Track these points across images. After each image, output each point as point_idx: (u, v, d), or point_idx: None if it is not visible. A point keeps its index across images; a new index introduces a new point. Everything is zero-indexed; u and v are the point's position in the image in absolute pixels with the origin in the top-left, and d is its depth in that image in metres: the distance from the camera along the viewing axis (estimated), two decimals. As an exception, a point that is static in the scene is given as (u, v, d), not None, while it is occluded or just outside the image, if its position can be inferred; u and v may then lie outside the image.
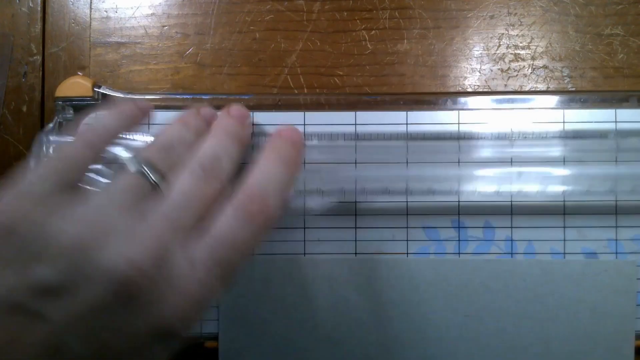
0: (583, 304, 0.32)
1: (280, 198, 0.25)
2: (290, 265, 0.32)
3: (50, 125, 0.31)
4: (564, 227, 0.33)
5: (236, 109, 0.29)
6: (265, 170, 0.25)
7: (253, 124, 0.32)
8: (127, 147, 0.29)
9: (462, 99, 0.33)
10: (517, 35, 0.34)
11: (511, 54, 0.34)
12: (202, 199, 0.24)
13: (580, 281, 0.32)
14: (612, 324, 0.32)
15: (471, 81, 0.34)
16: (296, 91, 0.34)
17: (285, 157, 0.26)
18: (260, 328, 0.32)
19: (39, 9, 0.34)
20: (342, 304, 0.32)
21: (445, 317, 0.32)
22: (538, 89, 0.34)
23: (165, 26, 0.34)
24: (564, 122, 0.33)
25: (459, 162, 0.33)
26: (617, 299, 0.32)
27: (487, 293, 0.32)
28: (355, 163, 0.32)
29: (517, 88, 0.34)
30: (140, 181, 0.24)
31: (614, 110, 0.33)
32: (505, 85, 0.34)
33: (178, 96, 0.33)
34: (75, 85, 0.32)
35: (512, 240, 0.33)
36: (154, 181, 0.24)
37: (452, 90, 0.34)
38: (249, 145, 0.30)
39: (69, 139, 0.31)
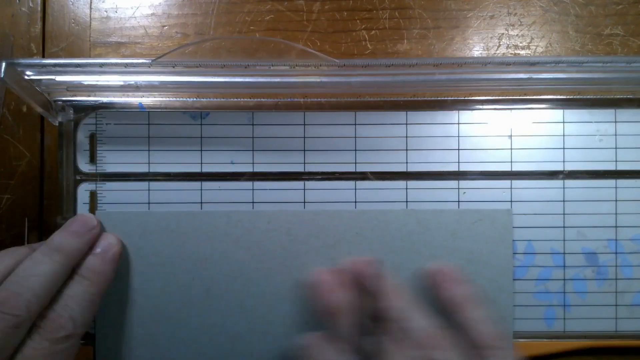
0: (459, 253, 0.32)
1: (83, 315, 0.28)
2: (168, 219, 0.32)
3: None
4: (564, 227, 0.33)
5: (78, 222, 0.31)
6: (68, 293, 0.29)
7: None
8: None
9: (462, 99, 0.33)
10: (517, 35, 0.34)
11: (511, 54, 0.34)
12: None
13: (456, 230, 0.32)
14: (489, 272, 0.32)
15: (471, 81, 0.34)
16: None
17: (90, 273, 0.29)
18: (138, 281, 0.32)
19: (39, 9, 0.34)
20: (219, 257, 0.32)
21: (323, 266, 0.32)
22: (538, 89, 0.34)
23: (165, 26, 0.34)
24: (563, 122, 0.33)
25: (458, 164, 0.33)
26: (494, 247, 0.32)
27: (363, 243, 0.32)
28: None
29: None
30: None
31: (613, 110, 0.33)
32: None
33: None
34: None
35: (512, 240, 0.33)
36: None
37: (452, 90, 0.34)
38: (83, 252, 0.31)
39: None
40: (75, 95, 0.33)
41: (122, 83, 0.31)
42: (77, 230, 0.30)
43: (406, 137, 0.33)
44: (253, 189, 0.33)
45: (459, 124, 0.33)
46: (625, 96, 0.33)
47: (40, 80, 0.30)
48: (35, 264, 0.28)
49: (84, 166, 0.33)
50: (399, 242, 0.32)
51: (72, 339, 0.28)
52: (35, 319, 0.27)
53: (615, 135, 0.33)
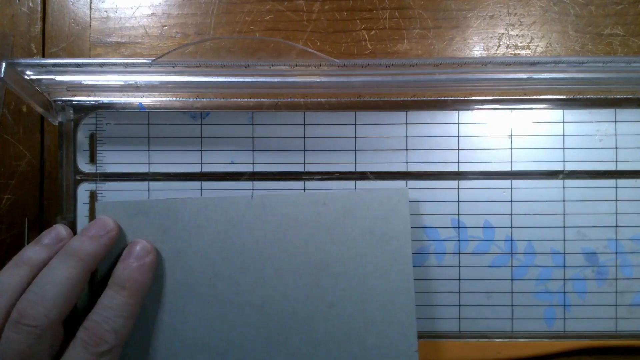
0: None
1: (125, 326, 0.28)
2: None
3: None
4: (564, 227, 0.33)
5: (95, 225, 0.30)
6: (107, 305, 0.29)
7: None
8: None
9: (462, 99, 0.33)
10: (517, 35, 0.34)
11: (511, 54, 0.34)
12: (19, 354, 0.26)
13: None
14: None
15: (471, 81, 0.34)
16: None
17: (128, 283, 0.29)
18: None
19: (39, 9, 0.34)
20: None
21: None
22: (538, 89, 0.34)
23: (165, 26, 0.34)
24: (563, 122, 0.33)
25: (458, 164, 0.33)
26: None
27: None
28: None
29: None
30: None
31: (613, 110, 0.33)
32: (505, 85, 0.34)
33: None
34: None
35: (511, 240, 0.33)
36: None
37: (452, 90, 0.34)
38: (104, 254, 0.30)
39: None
40: (75, 95, 0.33)
41: (122, 83, 0.31)
42: (94, 234, 0.30)
43: (406, 137, 0.33)
44: (253, 189, 0.33)
45: (459, 124, 0.33)
46: (625, 96, 0.33)
47: (40, 80, 0.30)
48: (50, 271, 0.28)
49: (84, 166, 0.33)
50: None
51: (114, 351, 0.28)
52: (77, 330, 0.27)
53: (615, 135, 0.33)
